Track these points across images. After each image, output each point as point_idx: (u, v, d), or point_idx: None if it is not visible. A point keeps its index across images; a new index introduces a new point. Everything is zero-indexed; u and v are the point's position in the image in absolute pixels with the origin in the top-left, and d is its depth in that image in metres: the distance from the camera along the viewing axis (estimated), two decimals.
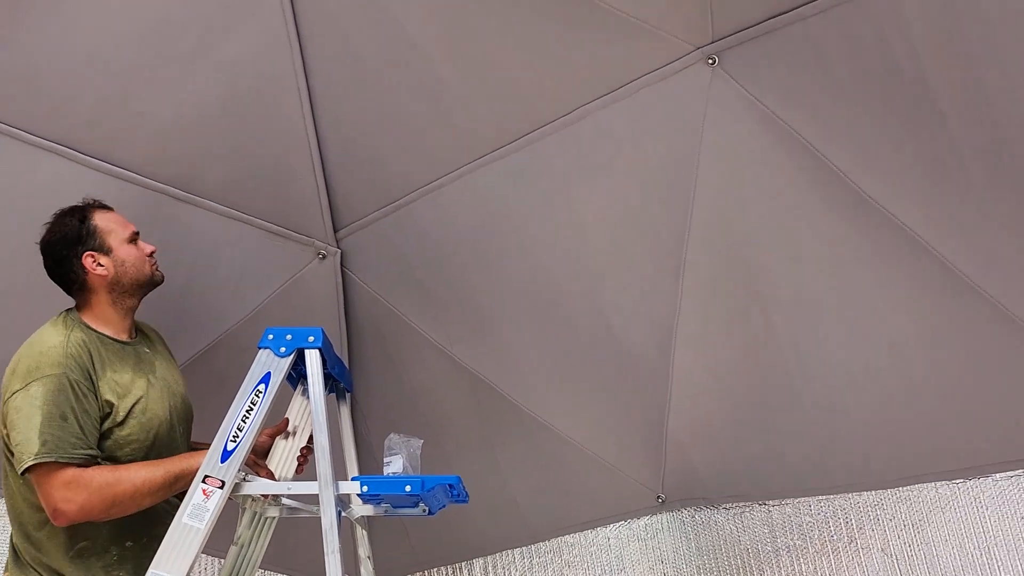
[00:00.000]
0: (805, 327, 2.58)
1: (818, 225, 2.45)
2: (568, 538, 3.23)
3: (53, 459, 2.00)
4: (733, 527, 2.93)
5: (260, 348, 2.31)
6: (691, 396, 2.84)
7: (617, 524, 3.16)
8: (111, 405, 2.16)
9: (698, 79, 2.47)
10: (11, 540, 2.22)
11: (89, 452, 2.07)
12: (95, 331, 2.26)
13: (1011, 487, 2.42)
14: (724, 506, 2.96)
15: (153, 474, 2.10)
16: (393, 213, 3.01)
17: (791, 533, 2.80)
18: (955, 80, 2.08)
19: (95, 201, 2.41)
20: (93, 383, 2.14)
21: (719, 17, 2.35)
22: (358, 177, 3.01)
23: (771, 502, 2.85)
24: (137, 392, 2.23)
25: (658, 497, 3.06)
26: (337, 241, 3.12)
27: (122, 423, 2.18)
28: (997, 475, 2.44)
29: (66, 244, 2.30)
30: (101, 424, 2.14)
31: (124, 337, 2.33)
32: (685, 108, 2.52)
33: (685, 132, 2.54)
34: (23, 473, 2.03)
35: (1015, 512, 2.40)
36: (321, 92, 2.85)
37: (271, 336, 2.33)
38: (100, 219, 2.36)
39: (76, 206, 2.37)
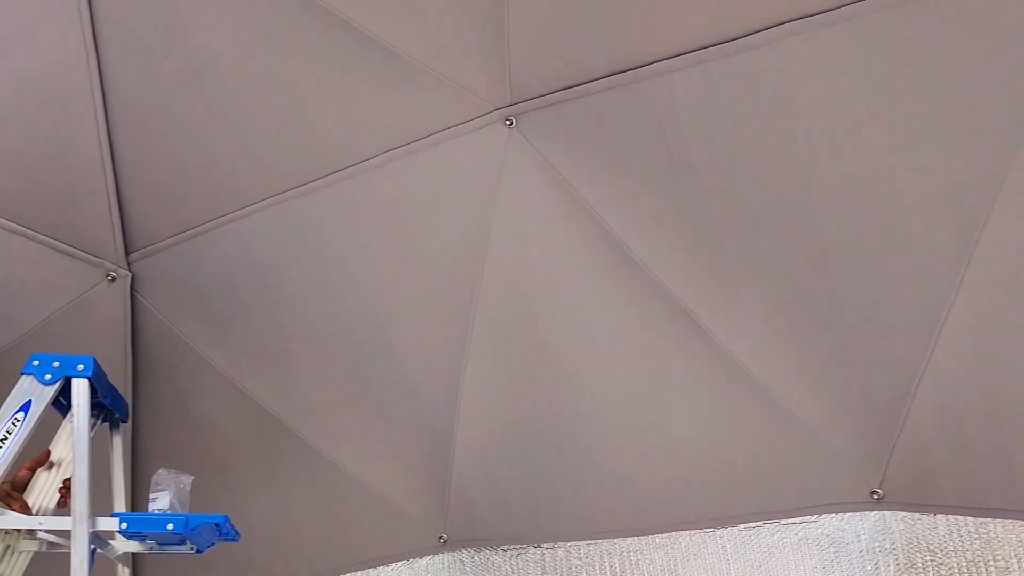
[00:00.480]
0: (582, 382, 2.72)
1: (596, 285, 2.61)
2: None
3: None
4: (509, 568, 3.02)
5: (23, 374, 2.20)
6: (475, 440, 2.92)
7: (399, 564, 3.18)
8: None
9: (496, 137, 2.59)
10: None
11: None
12: None
13: (751, 536, 2.65)
14: (502, 547, 3.05)
15: None
16: (190, 240, 2.95)
17: (562, 575, 2.93)
18: (716, 164, 2.28)
19: None
20: None
21: (517, 83, 2.48)
22: (155, 199, 2.94)
23: (545, 545, 2.97)
24: None
25: (440, 537, 3.12)
26: (129, 264, 3.03)
27: None
28: (741, 525, 2.66)
29: None
30: None
31: None
32: (483, 163, 2.63)
33: (482, 186, 2.65)
34: None
35: (754, 559, 2.63)
36: (118, 108, 2.78)
37: (36, 362, 2.22)
38: None
39: None
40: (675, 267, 2.49)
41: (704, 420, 2.61)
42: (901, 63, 1.95)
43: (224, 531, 2.39)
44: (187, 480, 2.41)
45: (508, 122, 2.57)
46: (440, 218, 2.73)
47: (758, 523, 2.64)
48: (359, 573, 3.22)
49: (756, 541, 2.65)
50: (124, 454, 2.69)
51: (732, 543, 2.67)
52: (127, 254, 3.02)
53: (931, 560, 2.39)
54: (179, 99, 2.74)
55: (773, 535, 2.64)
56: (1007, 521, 2.24)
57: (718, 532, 2.70)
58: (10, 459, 2.10)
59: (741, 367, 2.49)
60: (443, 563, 3.16)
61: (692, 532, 2.72)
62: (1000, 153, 1.91)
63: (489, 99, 2.55)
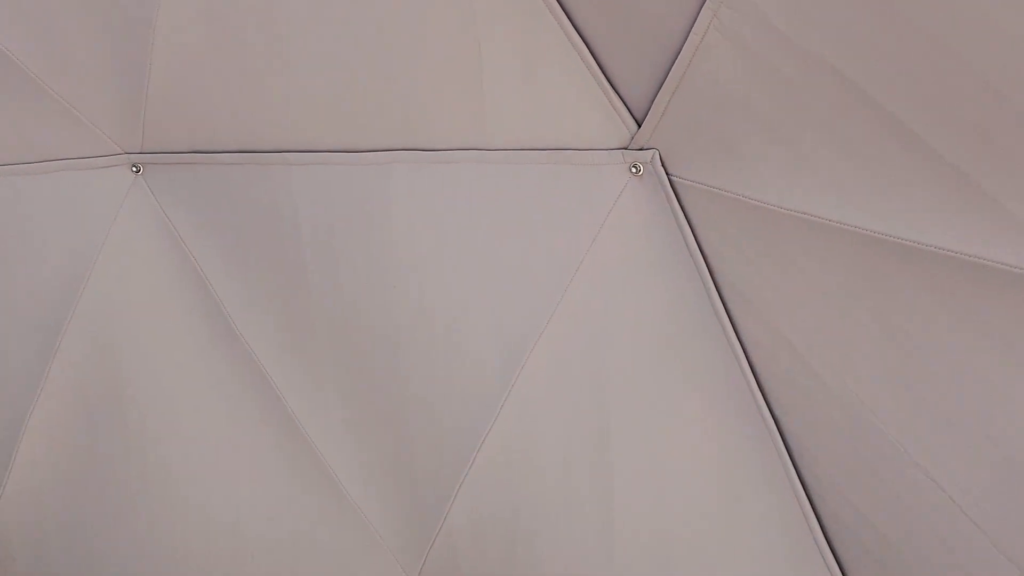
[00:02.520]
0: (157, 447, 2.69)
1: (191, 348, 2.62)
2: None
3: None
4: None
5: None
6: (30, 491, 2.78)
7: None
8: None
9: (120, 180, 2.55)
10: None
11: None
12: None
13: None
14: None
15: None
16: None
17: None
18: (321, 263, 2.43)
19: None
20: None
21: (150, 133, 2.47)
22: None
23: None
24: None
25: None
26: None
27: None
28: None
29: None
30: None
31: None
32: (100, 203, 2.57)
33: (93, 225, 2.58)
34: None
35: None
36: None
37: None
38: None
39: None
40: (270, 344, 2.58)
41: (274, 493, 2.69)
42: (487, 213, 2.25)
43: None
44: None
45: (135, 168, 2.54)
46: (41, 247, 2.61)
47: None
48: None
49: None
50: None
51: None
52: None
53: None
54: None
55: None
56: None
57: None
58: None
59: (312, 448, 2.62)
60: None
61: None
62: (544, 304, 2.25)
63: (118, 141, 2.52)
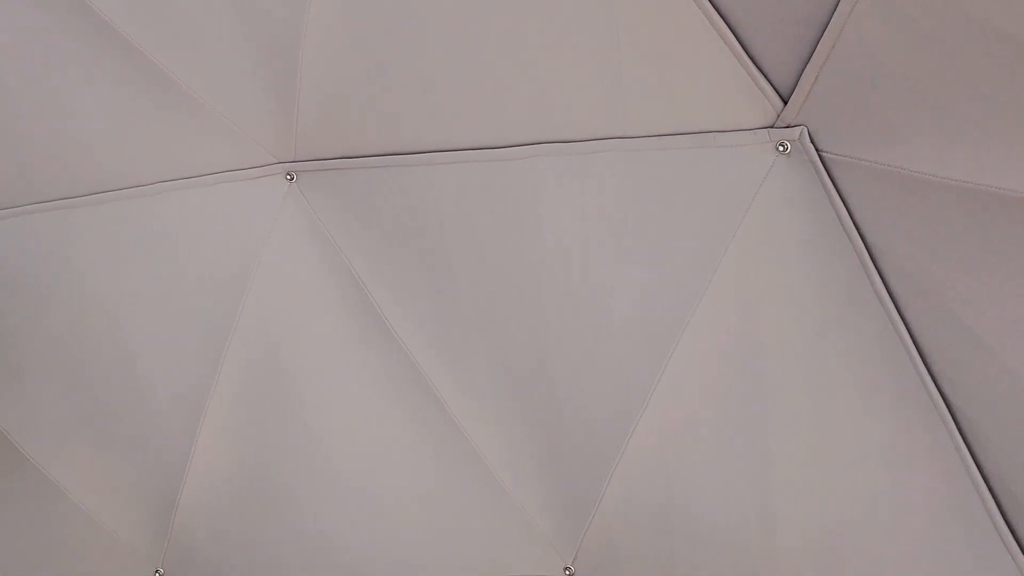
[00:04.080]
0: (321, 440, 2.83)
1: (348, 347, 2.73)
2: None
3: None
4: None
5: None
6: (207, 482, 2.95)
7: None
8: None
9: (275, 189, 2.68)
10: None
11: None
12: None
13: None
14: None
15: None
16: None
17: None
18: (467, 258, 2.50)
19: None
20: None
21: (302, 142, 2.59)
22: None
23: None
24: None
25: (157, 571, 3.09)
26: None
27: None
28: None
29: None
30: None
31: None
32: (257, 212, 2.71)
33: (252, 234, 2.72)
34: None
35: None
36: None
37: None
38: None
39: None
40: (421, 338, 2.66)
41: (429, 483, 2.78)
42: (629, 202, 2.25)
43: None
44: None
45: (289, 177, 2.67)
46: (205, 256, 2.77)
47: None
48: None
49: None
50: None
51: None
52: None
53: None
54: None
55: None
56: None
57: None
58: None
59: (465, 437, 2.69)
60: None
61: None
62: (693, 288, 2.25)
63: (274, 151, 2.64)
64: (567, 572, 2.72)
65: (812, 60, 1.88)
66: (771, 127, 2.06)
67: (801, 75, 1.93)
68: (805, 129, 2.01)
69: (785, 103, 2.02)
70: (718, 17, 1.97)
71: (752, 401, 2.27)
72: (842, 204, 2.02)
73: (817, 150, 2.01)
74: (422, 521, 2.80)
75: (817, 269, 2.12)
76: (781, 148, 2.06)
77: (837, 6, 1.76)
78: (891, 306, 2.04)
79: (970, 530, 2.13)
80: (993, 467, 2.07)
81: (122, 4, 2.45)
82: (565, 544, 2.71)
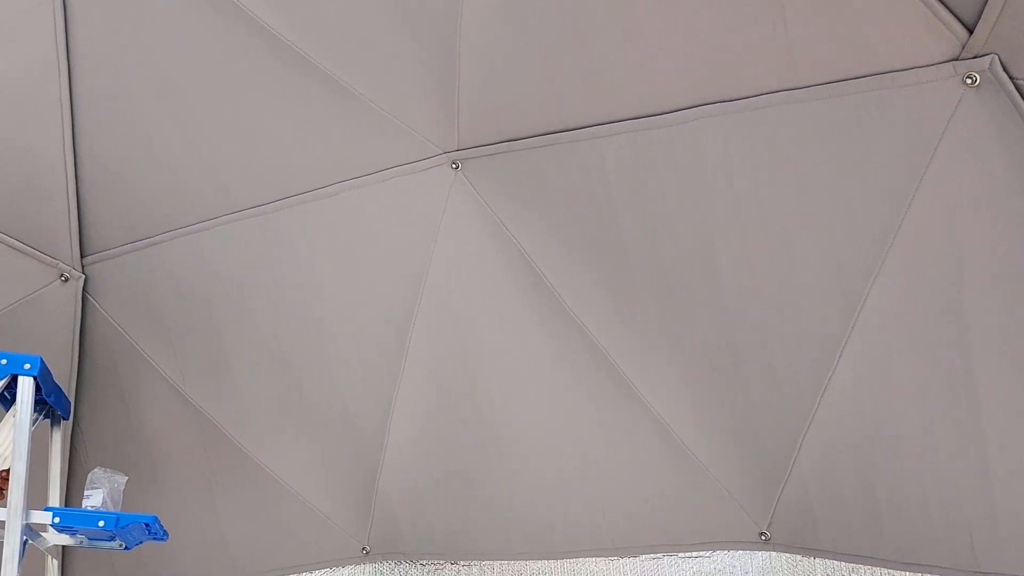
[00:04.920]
0: (505, 410, 2.90)
1: (524, 322, 2.79)
2: None
3: None
4: None
5: None
6: (402, 460, 3.09)
7: (322, 571, 3.33)
8: None
9: (442, 178, 2.77)
10: None
11: None
12: None
13: (651, 567, 2.84)
14: (421, 562, 3.21)
15: None
16: (145, 249, 3.10)
17: None
18: (637, 224, 2.49)
19: None
20: None
21: (464, 130, 2.66)
22: (113, 207, 3.08)
23: (461, 562, 3.14)
24: None
25: (363, 548, 3.28)
26: (83, 266, 3.16)
27: None
28: (642, 556, 2.86)
29: None
30: None
31: None
32: (427, 201, 2.81)
33: (425, 222, 2.82)
34: None
35: None
36: (85, 117, 2.94)
37: None
38: None
39: None
40: (597, 313, 2.68)
41: (614, 455, 2.80)
42: (802, 153, 2.17)
43: (153, 531, 2.52)
44: (121, 480, 2.55)
45: (454, 165, 2.74)
46: (384, 248, 2.90)
47: (658, 555, 2.84)
48: None
49: (655, 571, 2.84)
50: (63, 450, 2.82)
51: (633, 572, 2.86)
52: (82, 257, 3.15)
53: None
54: (144, 114, 2.89)
55: (671, 567, 2.83)
56: (874, 568, 2.46)
57: (621, 561, 2.89)
58: None
59: (650, 409, 2.69)
60: (364, 573, 3.31)
61: (597, 559, 2.91)
62: (879, 236, 2.15)
63: (438, 143, 2.73)
64: (763, 537, 2.67)
65: None
66: (956, 59, 1.94)
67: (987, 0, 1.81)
68: (996, 57, 1.88)
69: (970, 32, 1.89)
70: None
71: (953, 348, 2.15)
72: None
73: (1011, 78, 1.88)
74: (613, 492, 2.82)
75: (1018, 212, 1.98)
76: (969, 80, 1.93)
77: None
78: None
79: None
80: None
81: (294, 20, 2.61)
82: (759, 509, 2.67)
